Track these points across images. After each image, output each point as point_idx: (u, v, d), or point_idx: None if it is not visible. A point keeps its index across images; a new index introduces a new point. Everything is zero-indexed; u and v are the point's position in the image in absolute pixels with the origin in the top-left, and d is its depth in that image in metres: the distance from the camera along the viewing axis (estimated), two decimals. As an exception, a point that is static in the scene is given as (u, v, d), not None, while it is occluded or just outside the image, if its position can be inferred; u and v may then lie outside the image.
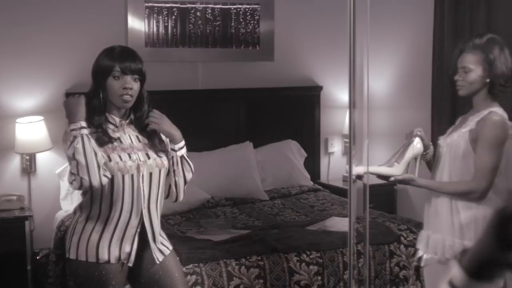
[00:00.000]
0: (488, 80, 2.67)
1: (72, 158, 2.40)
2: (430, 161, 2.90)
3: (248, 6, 5.18)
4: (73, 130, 2.44)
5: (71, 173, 2.42)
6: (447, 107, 4.57)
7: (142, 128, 2.64)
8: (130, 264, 2.54)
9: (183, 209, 4.41)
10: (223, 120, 5.17)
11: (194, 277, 3.18)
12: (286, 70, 5.36)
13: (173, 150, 2.63)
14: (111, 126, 2.56)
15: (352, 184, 1.91)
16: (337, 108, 5.50)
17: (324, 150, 5.55)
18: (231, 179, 4.77)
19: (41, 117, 4.49)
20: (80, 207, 2.58)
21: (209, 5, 5.05)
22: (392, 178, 2.75)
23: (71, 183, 2.43)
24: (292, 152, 5.19)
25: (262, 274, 3.31)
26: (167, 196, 2.71)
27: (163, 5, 4.91)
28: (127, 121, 2.61)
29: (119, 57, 2.54)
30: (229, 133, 5.16)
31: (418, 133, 2.82)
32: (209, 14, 5.06)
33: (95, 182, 2.40)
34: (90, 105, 2.53)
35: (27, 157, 4.55)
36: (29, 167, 4.57)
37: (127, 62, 2.52)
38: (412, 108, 5.09)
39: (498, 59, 2.66)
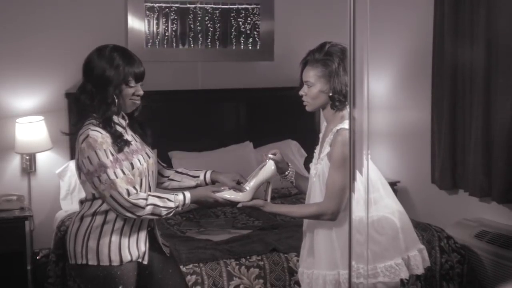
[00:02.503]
0: (330, 94, 2.57)
1: (149, 213, 2.43)
2: (298, 180, 2.77)
3: (248, 6, 5.18)
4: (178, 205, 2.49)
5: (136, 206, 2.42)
6: (447, 107, 4.57)
7: (135, 125, 2.65)
8: (145, 262, 2.57)
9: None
10: (223, 120, 5.17)
11: (194, 277, 3.18)
12: (286, 70, 5.35)
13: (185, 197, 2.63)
14: (119, 129, 2.53)
15: (352, 184, 1.91)
16: (337, 108, 5.49)
17: (324, 150, 5.54)
18: (231, 179, 4.76)
19: (41, 117, 4.50)
20: (93, 214, 2.50)
21: (209, 5, 5.05)
22: (240, 205, 2.58)
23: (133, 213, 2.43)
24: (292, 152, 5.19)
25: (262, 274, 3.31)
26: None
27: (163, 5, 4.91)
28: (127, 122, 2.62)
29: (134, 66, 2.49)
30: (229, 133, 5.16)
31: (271, 156, 2.68)
32: (209, 14, 5.06)
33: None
34: (102, 109, 2.46)
35: (27, 157, 4.55)
36: (29, 167, 4.58)
37: (140, 69, 2.50)
38: (412, 108, 5.09)
39: (336, 73, 2.55)
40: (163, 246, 2.70)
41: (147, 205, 2.39)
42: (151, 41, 4.89)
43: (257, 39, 5.23)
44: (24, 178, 4.61)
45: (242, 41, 5.19)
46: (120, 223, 2.48)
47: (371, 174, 2.56)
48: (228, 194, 2.59)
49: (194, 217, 4.30)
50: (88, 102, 2.46)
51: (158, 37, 4.93)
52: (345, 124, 2.52)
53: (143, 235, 2.55)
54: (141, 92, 2.53)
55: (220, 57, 5.16)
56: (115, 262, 2.46)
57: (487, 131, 4.28)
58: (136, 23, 4.84)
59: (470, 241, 4.16)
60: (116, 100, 2.46)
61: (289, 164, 2.76)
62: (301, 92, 2.67)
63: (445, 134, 4.60)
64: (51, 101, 4.62)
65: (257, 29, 5.23)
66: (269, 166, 2.67)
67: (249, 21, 5.20)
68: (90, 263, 2.46)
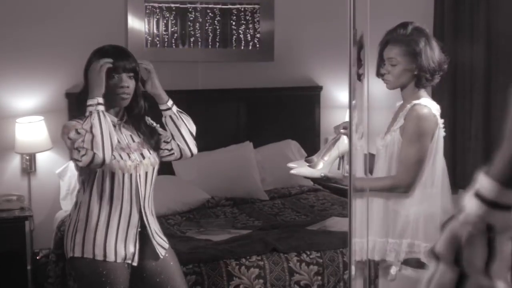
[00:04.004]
0: (415, 73, 2.59)
1: (88, 132, 2.36)
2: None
3: (248, 6, 5.18)
4: (90, 105, 2.42)
5: (81, 148, 2.36)
6: (447, 107, 4.57)
7: (139, 125, 2.64)
8: (135, 264, 2.56)
9: (183, 209, 4.41)
10: (223, 120, 5.17)
11: (194, 277, 3.18)
12: (286, 70, 5.36)
13: (168, 108, 2.66)
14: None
15: (352, 184, 1.90)
16: (337, 108, 5.50)
17: (324, 150, 5.54)
18: (231, 179, 4.77)
19: (41, 117, 4.49)
20: (77, 204, 2.57)
21: (209, 5, 5.05)
22: (322, 174, 2.60)
23: (79, 159, 2.37)
24: (292, 152, 5.19)
25: (262, 274, 3.31)
26: (180, 157, 2.70)
27: (163, 5, 4.91)
28: (123, 121, 2.61)
29: (112, 56, 2.52)
30: (229, 133, 5.16)
31: (343, 131, 2.69)
32: (209, 14, 5.06)
33: (108, 158, 2.38)
34: (85, 106, 2.50)
35: (27, 157, 4.55)
36: (29, 167, 4.57)
37: (121, 61, 2.52)
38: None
39: (423, 51, 2.57)
40: (159, 248, 2.64)
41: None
42: (151, 41, 4.89)
43: (257, 40, 5.23)
44: (24, 178, 4.61)
45: (242, 41, 5.19)
46: (104, 219, 2.50)
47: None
48: (304, 170, 2.59)
49: (194, 217, 4.30)
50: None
51: (158, 37, 4.93)
52: (421, 101, 2.60)
53: (132, 234, 2.54)
54: (126, 84, 2.51)
55: (220, 57, 5.15)
56: (99, 257, 2.49)
57: (487, 131, 4.28)
58: (136, 23, 4.84)
59: (470, 241, 4.15)
60: None
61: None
62: (383, 71, 2.66)
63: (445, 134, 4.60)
64: (51, 101, 4.62)
65: (257, 30, 5.23)
66: (343, 140, 2.67)
67: (249, 21, 5.20)
68: (76, 255, 2.53)
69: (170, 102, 2.68)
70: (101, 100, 2.43)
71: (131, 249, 2.54)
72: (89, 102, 2.42)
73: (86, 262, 2.51)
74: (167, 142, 2.68)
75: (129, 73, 2.54)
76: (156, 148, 2.66)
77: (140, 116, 2.64)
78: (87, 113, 2.41)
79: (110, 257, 2.50)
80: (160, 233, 2.71)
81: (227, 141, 5.03)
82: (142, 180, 2.56)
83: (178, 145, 2.67)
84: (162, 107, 2.66)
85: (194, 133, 2.72)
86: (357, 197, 2.60)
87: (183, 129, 2.67)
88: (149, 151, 2.62)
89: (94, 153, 2.34)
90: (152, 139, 2.65)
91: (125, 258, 2.53)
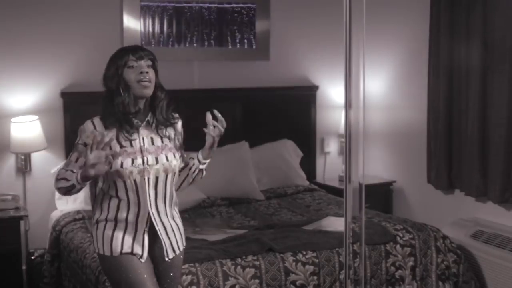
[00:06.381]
0: None
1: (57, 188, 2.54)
2: None
3: (244, 6, 5.18)
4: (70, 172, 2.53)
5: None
6: (443, 107, 4.58)
7: (163, 126, 2.63)
8: (143, 261, 2.57)
9: (178, 209, 4.39)
10: (219, 120, 5.16)
11: (189, 277, 3.17)
12: (282, 69, 5.36)
13: (199, 162, 2.72)
14: (126, 127, 2.55)
15: (348, 184, 1.90)
16: (333, 108, 5.50)
17: (320, 150, 5.55)
18: (227, 179, 4.76)
19: (36, 117, 4.48)
20: (93, 209, 2.64)
21: (205, 4, 5.04)
22: None
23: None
24: (288, 151, 5.19)
25: (258, 274, 3.30)
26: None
27: (159, 4, 4.90)
28: (143, 123, 2.59)
29: (129, 49, 2.59)
30: (225, 133, 5.10)
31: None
32: (205, 13, 5.05)
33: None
34: (108, 108, 2.54)
35: (22, 157, 4.54)
36: (24, 166, 4.56)
37: (138, 51, 2.58)
38: (408, 108, 5.10)
39: None
40: (170, 249, 2.64)
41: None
42: (146, 40, 4.88)
43: (253, 39, 5.23)
44: (19, 178, 4.60)
45: (238, 41, 5.18)
46: (111, 222, 2.55)
47: None
48: None
49: (189, 217, 4.30)
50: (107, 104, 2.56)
51: (154, 37, 4.92)
52: None
53: (139, 238, 2.55)
54: (145, 70, 2.55)
55: (216, 57, 5.15)
56: (107, 252, 2.54)
57: (483, 131, 4.28)
58: (131, 23, 4.83)
59: (466, 241, 4.16)
60: (121, 94, 2.52)
61: None
62: None
63: (441, 134, 4.60)
64: (47, 100, 4.61)
65: (253, 29, 5.22)
66: None
67: (245, 21, 5.20)
68: (99, 252, 2.60)
69: (205, 161, 2.74)
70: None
71: (137, 250, 2.55)
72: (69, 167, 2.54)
73: (101, 257, 2.59)
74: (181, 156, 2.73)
75: (147, 61, 2.58)
76: (177, 152, 2.67)
77: (163, 113, 2.63)
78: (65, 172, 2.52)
79: (116, 252, 2.54)
80: (179, 234, 2.72)
81: (222, 140, 4.99)
82: (151, 184, 2.55)
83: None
84: (199, 157, 2.73)
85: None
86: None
87: (187, 180, 2.75)
88: (166, 157, 2.59)
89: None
90: (175, 145, 2.67)
91: (131, 251, 2.56)
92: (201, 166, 2.72)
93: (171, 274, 2.67)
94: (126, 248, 2.54)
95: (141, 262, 2.56)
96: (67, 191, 2.50)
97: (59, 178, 2.52)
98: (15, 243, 4.24)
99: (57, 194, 4.53)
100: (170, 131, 2.67)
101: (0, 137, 4.50)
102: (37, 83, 4.60)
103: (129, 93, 2.53)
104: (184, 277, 3.16)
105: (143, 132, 2.59)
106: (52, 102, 4.63)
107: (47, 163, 4.60)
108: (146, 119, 2.60)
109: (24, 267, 4.39)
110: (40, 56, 4.60)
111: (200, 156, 2.72)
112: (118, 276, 2.55)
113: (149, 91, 2.57)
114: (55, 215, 4.40)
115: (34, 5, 4.58)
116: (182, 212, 4.39)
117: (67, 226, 4.07)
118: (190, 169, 2.71)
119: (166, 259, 2.62)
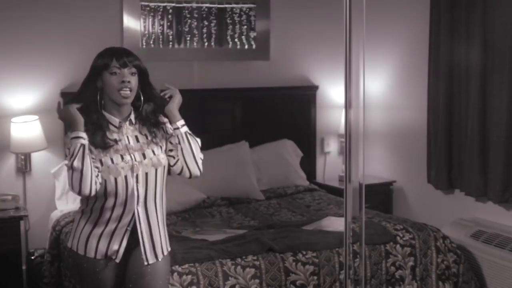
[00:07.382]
0: None
1: (75, 170, 2.40)
2: None
3: (244, 6, 5.18)
4: (73, 138, 2.43)
5: (70, 186, 2.45)
6: (443, 107, 4.57)
7: (147, 124, 2.61)
8: (117, 260, 2.54)
9: (178, 209, 4.40)
10: (218, 120, 5.17)
11: (189, 277, 3.17)
12: (282, 69, 5.36)
13: (177, 128, 2.63)
14: (111, 127, 2.54)
15: (348, 184, 1.90)
16: (333, 108, 5.50)
17: (320, 150, 5.55)
18: (227, 179, 4.76)
19: (36, 117, 4.48)
20: (80, 202, 2.62)
21: (205, 4, 5.04)
22: None
23: (71, 187, 2.46)
24: (288, 151, 5.19)
25: (258, 274, 3.30)
26: (180, 172, 2.66)
27: (159, 4, 4.90)
28: (127, 122, 2.58)
29: (113, 53, 2.53)
30: (224, 133, 5.16)
31: None
32: (205, 13, 5.05)
33: (93, 191, 2.43)
34: (88, 107, 2.50)
35: (22, 157, 4.54)
36: (24, 166, 4.56)
37: (123, 57, 2.51)
38: (408, 107, 5.10)
39: None
40: (150, 254, 2.54)
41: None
42: (146, 40, 4.88)
43: (252, 39, 5.23)
44: (19, 178, 4.60)
45: (237, 41, 5.18)
46: (94, 217, 2.53)
47: None
48: None
49: (189, 217, 4.30)
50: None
51: (154, 36, 4.92)
52: None
53: (119, 233, 2.52)
54: (127, 79, 2.49)
55: (216, 57, 5.15)
56: (81, 251, 2.54)
57: (483, 131, 4.28)
58: (131, 23, 4.83)
59: (466, 241, 4.16)
60: (98, 96, 2.51)
61: None
62: None
63: (441, 134, 4.60)
64: (47, 100, 4.61)
65: (253, 29, 5.22)
66: None
67: (245, 21, 5.20)
68: (68, 244, 2.62)
69: (180, 123, 2.65)
70: (82, 134, 2.43)
71: (114, 246, 2.52)
72: (73, 135, 2.44)
73: (72, 253, 2.59)
74: (171, 150, 2.66)
75: (131, 69, 2.53)
76: (164, 149, 2.63)
77: (147, 114, 2.61)
78: (71, 146, 2.42)
79: (90, 254, 2.53)
80: (165, 240, 2.63)
81: (222, 140, 5.03)
82: (140, 180, 2.53)
83: (181, 163, 2.65)
84: (172, 126, 2.64)
85: (198, 157, 2.66)
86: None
87: (185, 151, 2.62)
88: (153, 152, 2.57)
89: (81, 192, 2.41)
90: (161, 141, 2.63)
91: (105, 256, 2.53)
92: (182, 130, 2.63)
93: (150, 281, 2.55)
94: (100, 252, 2.52)
95: (115, 262, 2.54)
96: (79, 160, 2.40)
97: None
98: (15, 243, 4.24)
99: (57, 194, 4.53)
100: (155, 129, 2.63)
101: (0, 137, 4.51)
102: (37, 83, 4.60)
103: (107, 98, 2.53)
104: (184, 277, 3.16)
105: (128, 131, 2.57)
106: (52, 102, 4.62)
107: (47, 163, 4.60)
108: (129, 119, 2.59)
109: (24, 267, 4.39)
110: (40, 56, 4.60)
111: (173, 125, 2.64)
112: (83, 277, 2.56)
113: (128, 101, 2.54)
114: (55, 215, 4.40)
115: (34, 5, 4.58)
116: (182, 212, 4.42)
117: (67, 226, 4.07)
118: (179, 141, 2.62)
119: (145, 263, 2.54)
